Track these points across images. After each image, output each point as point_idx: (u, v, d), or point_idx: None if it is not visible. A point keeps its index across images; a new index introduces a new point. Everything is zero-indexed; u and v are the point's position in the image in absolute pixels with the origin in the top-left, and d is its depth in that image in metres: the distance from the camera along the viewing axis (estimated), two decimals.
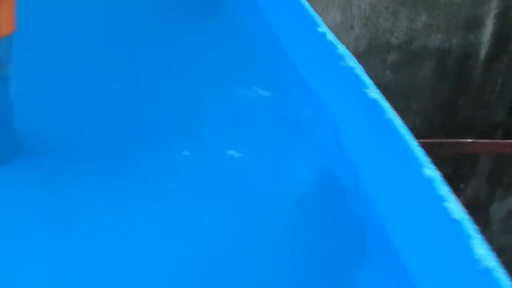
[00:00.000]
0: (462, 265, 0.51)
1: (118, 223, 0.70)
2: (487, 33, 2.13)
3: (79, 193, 0.75)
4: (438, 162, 0.60)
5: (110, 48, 1.00)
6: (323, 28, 0.87)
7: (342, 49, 0.80)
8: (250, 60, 1.04)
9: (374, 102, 0.68)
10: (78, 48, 0.98)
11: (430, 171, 0.57)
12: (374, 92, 0.69)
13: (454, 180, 2.22)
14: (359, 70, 0.74)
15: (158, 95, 0.93)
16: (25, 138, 0.79)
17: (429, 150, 0.64)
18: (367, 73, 0.74)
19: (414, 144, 0.61)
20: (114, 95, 0.91)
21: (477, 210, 2.29)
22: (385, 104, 0.67)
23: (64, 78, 0.89)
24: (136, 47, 1.02)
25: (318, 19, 0.90)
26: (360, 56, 2.09)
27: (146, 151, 0.81)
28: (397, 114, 0.66)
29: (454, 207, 0.53)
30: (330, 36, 0.84)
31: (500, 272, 0.48)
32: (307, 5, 0.94)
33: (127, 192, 0.75)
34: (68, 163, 0.79)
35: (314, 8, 1.93)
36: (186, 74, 0.99)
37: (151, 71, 0.98)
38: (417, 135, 0.64)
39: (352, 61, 0.77)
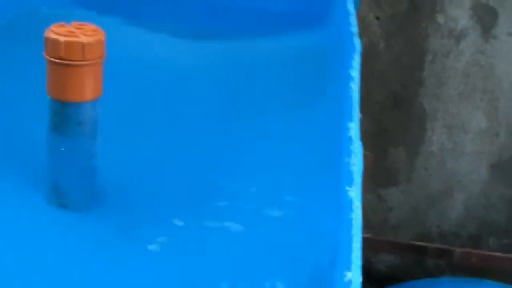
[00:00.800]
0: None
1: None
2: None
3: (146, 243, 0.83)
4: None
5: (203, 113, 1.10)
6: None
7: None
8: None
9: None
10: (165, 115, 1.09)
11: None
12: None
13: None
14: None
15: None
16: (103, 189, 0.90)
17: None
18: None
19: None
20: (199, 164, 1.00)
21: None
22: None
23: (144, 142, 1.01)
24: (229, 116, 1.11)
25: None
26: (502, 165, 2.04)
27: None
28: None
29: None
30: None
31: None
32: None
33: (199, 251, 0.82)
34: (139, 214, 0.89)
35: (459, 112, 1.93)
36: None
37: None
38: None
39: None
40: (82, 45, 0.80)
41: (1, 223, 0.83)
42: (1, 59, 1.20)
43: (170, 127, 1.09)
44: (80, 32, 0.82)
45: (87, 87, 0.84)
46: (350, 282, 0.53)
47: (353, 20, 1.25)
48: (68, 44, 0.80)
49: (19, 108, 1.08)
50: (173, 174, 0.95)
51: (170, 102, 1.15)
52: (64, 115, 0.85)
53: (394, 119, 2.06)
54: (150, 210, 0.89)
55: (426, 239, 2.11)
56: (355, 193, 0.63)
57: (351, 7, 1.39)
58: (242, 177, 0.93)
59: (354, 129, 0.74)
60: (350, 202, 0.61)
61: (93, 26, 0.85)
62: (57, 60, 0.81)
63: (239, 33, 1.46)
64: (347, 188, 0.64)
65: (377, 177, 2.09)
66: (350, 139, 0.72)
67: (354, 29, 1.19)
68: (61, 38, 0.80)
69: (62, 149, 0.86)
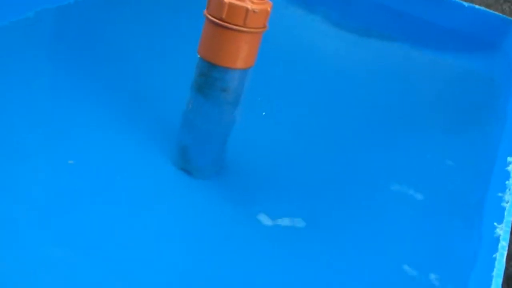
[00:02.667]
0: None
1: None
2: None
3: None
4: None
5: (352, 111, 1.05)
6: None
7: None
8: None
9: None
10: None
11: None
12: None
13: None
14: None
15: None
16: (232, 159, 0.88)
17: None
18: None
19: None
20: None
21: None
22: None
23: (286, 116, 0.97)
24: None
25: None
26: None
27: None
28: None
29: None
30: None
31: None
32: None
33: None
34: (259, 191, 0.86)
35: None
36: None
37: None
38: None
39: None
40: (246, 10, 0.77)
41: (121, 176, 0.82)
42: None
43: (316, 117, 1.05)
44: None
45: (241, 55, 0.80)
46: None
47: None
48: (232, 6, 0.77)
49: (168, 63, 1.07)
50: (304, 164, 0.91)
51: (322, 92, 1.11)
52: (210, 77, 0.82)
53: None
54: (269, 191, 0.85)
55: None
56: (503, 232, 0.56)
57: None
58: (378, 186, 0.88)
59: None
60: (496, 240, 0.54)
61: None
62: (217, 21, 0.78)
63: (407, 39, 1.42)
64: (495, 224, 0.57)
65: None
66: (507, 173, 0.65)
67: None
68: (227, 0, 0.77)
69: (199, 111, 0.84)
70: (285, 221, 0.81)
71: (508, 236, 0.56)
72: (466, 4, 1.53)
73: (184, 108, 0.86)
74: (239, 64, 0.81)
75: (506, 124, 0.84)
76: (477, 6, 1.53)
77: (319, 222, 0.82)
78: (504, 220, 0.57)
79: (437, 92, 1.23)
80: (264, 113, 0.98)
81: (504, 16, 1.52)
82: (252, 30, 0.79)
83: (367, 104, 1.10)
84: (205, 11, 0.80)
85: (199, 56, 0.82)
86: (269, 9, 0.79)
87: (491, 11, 1.55)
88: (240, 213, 0.80)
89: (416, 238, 0.79)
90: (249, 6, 0.77)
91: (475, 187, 0.77)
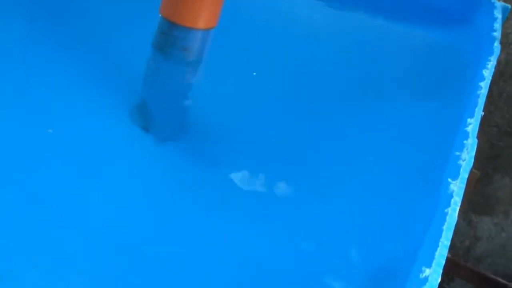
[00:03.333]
0: None
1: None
2: None
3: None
4: None
5: (320, 82, 1.04)
6: None
7: None
8: None
9: None
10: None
11: None
12: None
13: None
14: None
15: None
16: (192, 120, 0.86)
17: None
18: None
19: None
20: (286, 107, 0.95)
21: None
22: None
23: (245, 78, 0.96)
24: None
25: None
26: None
27: None
28: None
29: None
30: None
31: None
32: None
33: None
34: (221, 154, 0.84)
35: None
36: None
37: None
38: None
39: None
40: None
41: (79, 133, 0.81)
42: None
43: (281, 88, 1.04)
44: None
45: (202, 14, 0.79)
46: (426, 279, 0.46)
47: (498, 27, 1.16)
48: None
49: (130, 24, 1.05)
50: (266, 131, 0.90)
51: (291, 63, 1.10)
52: (171, 36, 0.80)
53: (509, 146, 1.92)
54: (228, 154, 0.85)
55: (508, 279, 1.97)
56: (457, 188, 0.55)
57: (498, 14, 1.31)
58: (340, 155, 0.88)
59: (473, 125, 0.67)
60: (450, 195, 0.54)
61: None
62: None
63: (380, 13, 1.41)
64: (449, 180, 0.57)
65: (474, 202, 1.96)
66: (466, 133, 0.65)
67: (497, 35, 1.10)
68: None
69: (158, 70, 0.82)
70: (255, 184, 0.80)
71: (462, 193, 0.56)
72: None
73: (145, 67, 0.84)
74: (201, 24, 0.79)
75: (475, 88, 0.84)
76: None
77: (284, 186, 0.81)
78: (460, 177, 0.57)
79: (407, 64, 1.22)
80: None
81: None
82: None
83: (334, 74, 1.09)
84: None
85: (160, 15, 0.80)
86: None
87: None
88: (208, 174, 0.79)
89: (381, 202, 0.79)
90: None
91: (439, 150, 0.77)
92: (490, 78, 0.84)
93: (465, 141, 0.64)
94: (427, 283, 0.46)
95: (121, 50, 0.98)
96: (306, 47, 1.16)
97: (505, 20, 1.76)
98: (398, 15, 1.40)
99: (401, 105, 1.01)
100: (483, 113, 0.73)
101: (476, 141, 0.65)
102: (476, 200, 1.96)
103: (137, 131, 0.84)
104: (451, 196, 0.54)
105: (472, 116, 0.69)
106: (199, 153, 0.84)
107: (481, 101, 0.74)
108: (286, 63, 1.07)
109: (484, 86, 0.78)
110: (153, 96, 0.84)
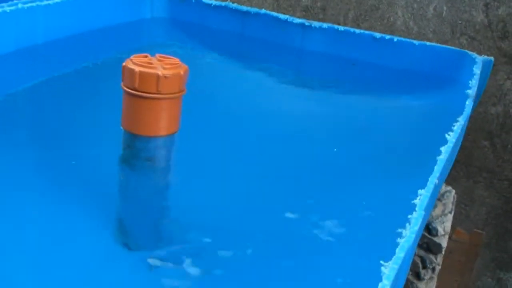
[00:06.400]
0: None
1: None
2: None
3: None
4: None
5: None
6: None
7: None
8: None
9: None
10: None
11: None
12: None
13: None
14: None
15: None
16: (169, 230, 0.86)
17: None
18: None
19: None
20: None
21: None
22: None
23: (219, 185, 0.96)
24: None
25: None
26: None
27: None
28: None
29: None
30: None
31: None
32: None
33: None
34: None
35: None
36: None
37: None
38: None
39: None
40: (157, 77, 0.76)
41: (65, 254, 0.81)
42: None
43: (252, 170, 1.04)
44: (159, 64, 0.79)
45: (161, 122, 0.80)
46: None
47: (474, 83, 1.15)
48: (142, 75, 0.77)
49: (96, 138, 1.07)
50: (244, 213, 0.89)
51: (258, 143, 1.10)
52: (134, 148, 0.81)
53: None
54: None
55: None
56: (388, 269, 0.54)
57: (477, 70, 1.31)
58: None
59: (422, 197, 0.66)
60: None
61: (176, 60, 0.81)
62: (131, 91, 0.78)
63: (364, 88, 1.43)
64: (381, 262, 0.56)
65: (499, 259, 1.91)
66: (413, 206, 0.64)
67: (472, 92, 1.10)
68: (137, 68, 0.77)
69: (128, 184, 0.83)
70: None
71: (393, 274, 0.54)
72: (416, 42, 1.53)
73: (117, 181, 0.84)
74: (161, 131, 0.80)
75: (431, 160, 0.83)
76: (428, 43, 1.53)
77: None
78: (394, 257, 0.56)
79: (392, 132, 1.22)
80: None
81: (457, 48, 1.52)
82: (167, 96, 0.78)
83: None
84: (121, 83, 0.79)
85: (122, 128, 0.81)
86: (182, 73, 0.78)
87: (443, 45, 1.54)
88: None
89: None
90: (160, 72, 0.77)
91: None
92: (455, 140, 0.83)
93: (409, 216, 0.62)
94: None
95: (93, 161, 1.00)
96: (295, 137, 1.17)
97: (495, 72, 1.76)
98: (383, 88, 1.41)
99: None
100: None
101: (423, 213, 0.63)
102: (500, 257, 1.90)
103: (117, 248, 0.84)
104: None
105: (424, 187, 0.67)
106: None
107: (437, 170, 0.72)
108: (270, 152, 1.07)
109: (444, 151, 0.77)
110: (128, 209, 0.85)
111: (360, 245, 0.80)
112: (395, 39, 1.52)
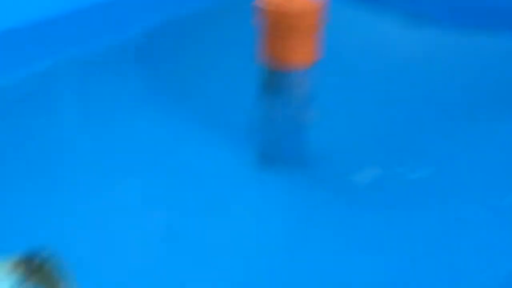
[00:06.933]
0: None
1: None
2: None
3: None
4: None
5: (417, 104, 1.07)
6: None
7: None
8: None
9: None
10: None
11: None
12: None
13: None
14: None
15: None
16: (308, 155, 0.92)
17: None
18: None
19: None
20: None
21: None
22: None
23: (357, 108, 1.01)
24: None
25: None
26: None
27: None
28: None
29: None
30: None
31: None
32: None
33: None
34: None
35: None
36: None
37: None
38: None
39: None
40: (291, 12, 0.83)
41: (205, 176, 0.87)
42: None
43: (381, 108, 1.05)
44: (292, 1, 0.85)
45: (298, 54, 0.86)
46: None
47: None
48: (278, 11, 0.83)
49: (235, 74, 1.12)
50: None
51: (391, 87, 1.12)
52: (273, 80, 0.88)
53: None
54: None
55: None
56: None
57: None
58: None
59: None
60: None
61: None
62: (268, 26, 0.85)
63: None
64: None
65: None
66: None
67: None
68: (271, 7, 0.84)
69: (271, 113, 0.90)
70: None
71: None
72: None
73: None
74: (299, 62, 0.87)
75: None
76: None
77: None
78: None
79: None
80: None
81: None
82: (303, 29, 0.85)
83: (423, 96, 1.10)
84: (255, 21, 0.87)
85: (262, 61, 0.88)
86: (315, 7, 0.84)
87: None
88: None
89: None
90: (295, 7, 0.83)
91: None
92: None
93: None
94: None
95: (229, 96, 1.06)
96: (395, 73, 1.19)
97: None
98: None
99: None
100: None
101: None
102: None
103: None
104: None
105: None
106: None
107: None
108: (379, 91, 1.10)
109: None
110: (268, 137, 0.92)
111: None
112: None
